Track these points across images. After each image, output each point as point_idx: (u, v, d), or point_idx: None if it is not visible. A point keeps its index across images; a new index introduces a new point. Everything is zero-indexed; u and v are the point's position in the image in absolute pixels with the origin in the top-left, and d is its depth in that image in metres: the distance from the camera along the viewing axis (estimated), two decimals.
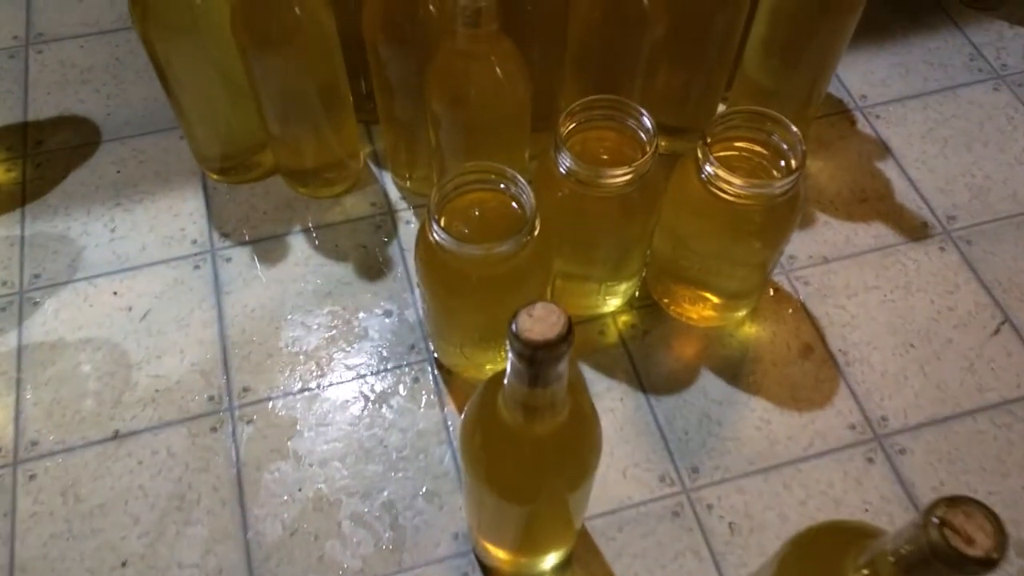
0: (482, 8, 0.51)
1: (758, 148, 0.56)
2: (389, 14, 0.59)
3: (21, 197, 0.73)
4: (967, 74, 0.83)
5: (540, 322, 0.32)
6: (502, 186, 0.51)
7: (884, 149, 0.77)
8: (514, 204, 0.51)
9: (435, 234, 0.49)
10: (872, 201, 0.74)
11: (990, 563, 0.28)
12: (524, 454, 0.41)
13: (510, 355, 0.34)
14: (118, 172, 0.74)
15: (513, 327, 0.32)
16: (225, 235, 0.71)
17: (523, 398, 0.37)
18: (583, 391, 0.62)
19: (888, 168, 0.76)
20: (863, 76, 0.83)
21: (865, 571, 0.34)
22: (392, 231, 0.71)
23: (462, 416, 0.44)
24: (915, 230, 0.72)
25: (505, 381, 0.37)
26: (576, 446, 0.42)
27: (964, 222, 0.73)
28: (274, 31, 0.58)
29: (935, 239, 0.71)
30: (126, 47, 0.84)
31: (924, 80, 0.83)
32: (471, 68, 0.56)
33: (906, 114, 0.80)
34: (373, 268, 0.69)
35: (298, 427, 0.61)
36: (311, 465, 0.59)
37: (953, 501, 0.29)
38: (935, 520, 0.28)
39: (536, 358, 0.33)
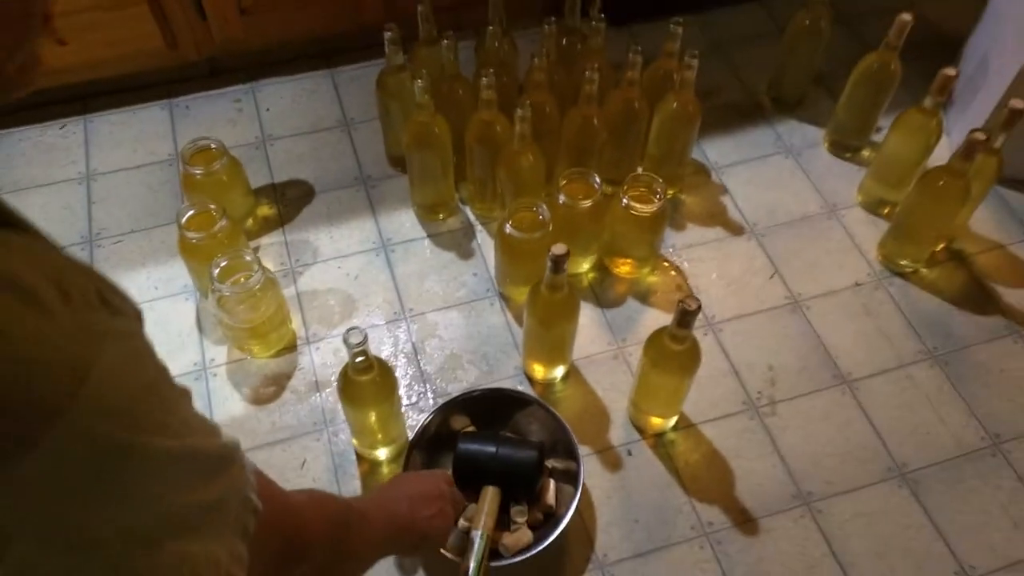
0: (563, 257, 1.21)
1: (645, 190, 1.26)
2: (479, 131, 1.28)
3: (279, 222, 1.41)
4: (772, 148, 1.54)
5: (557, 249, 1.01)
6: (534, 208, 1.20)
7: (724, 189, 1.48)
8: (540, 216, 1.20)
9: (507, 228, 1.18)
10: (716, 216, 1.44)
11: (695, 311, 0.97)
12: (549, 309, 1.10)
13: (548, 262, 1.02)
14: (327, 208, 1.43)
15: (550, 252, 1.01)
16: (390, 238, 1.39)
17: (550, 280, 1.05)
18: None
19: (726, 199, 1.46)
20: (715, 149, 1.53)
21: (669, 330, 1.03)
22: (473, 235, 1.40)
23: (526, 298, 1.13)
24: (737, 229, 1.42)
25: (543, 282, 1.05)
26: (566, 311, 1.11)
27: (764, 223, 1.43)
28: (434, 144, 1.28)
29: (750, 236, 1.41)
30: (321, 140, 1.53)
31: (748, 150, 1.53)
32: (518, 157, 1.26)
33: (737, 169, 1.51)
34: (466, 252, 1.38)
35: (439, 327, 1.29)
36: (452, 340, 1.27)
37: (687, 299, 0.99)
38: (680, 303, 0.98)
39: (557, 260, 1.02)
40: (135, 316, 0.44)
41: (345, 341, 0.93)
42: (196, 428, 0.46)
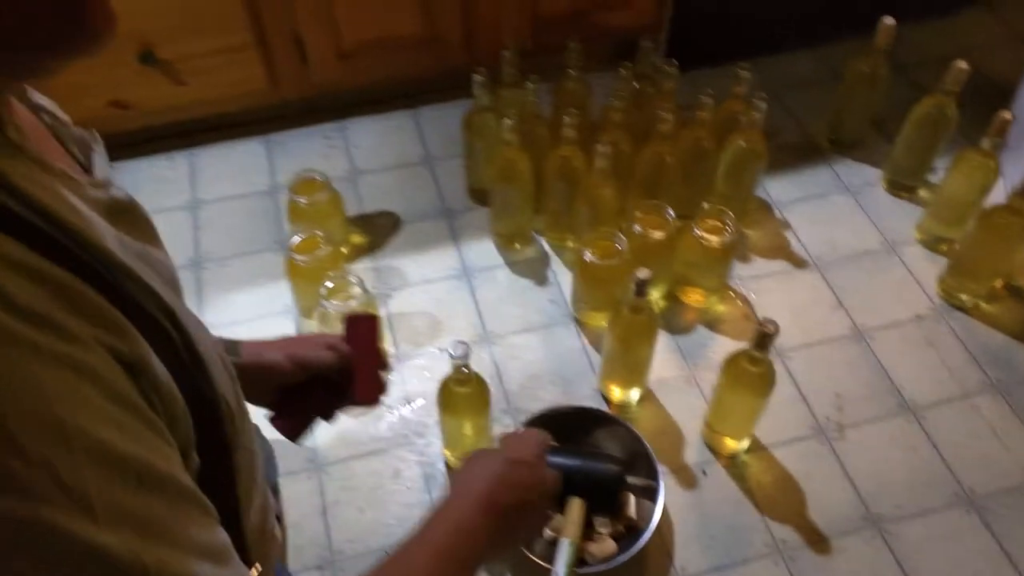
0: (646, 281, 1.30)
1: (716, 223, 1.33)
2: (559, 166, 1.38)
3: (369, 249, 1.51)
4: (831, 187, 1.61)
5: (642, 273, 1.09)
6: (612, 238, 1.29)
7: (786, 224, 1.55)
8: (617, 245, 1.29)
9: (587, 255, 1.26)
10: (780, 249, 1.51)
11: (774, 334, 1.04)
12: (631, 330, 1.17)
13: (632, 285, 1.10)
14: (413, 237, 1.53)
15: (634, 275, 1.09)
16: (471, 265, 1.48)
17: (633, 302, 1.13)
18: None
19: (789, 234, 1.54)
20: (777, 187, 1.61)
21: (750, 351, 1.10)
22: (548, 263, 1.49)
23: (608, 321, 1.21)
24: (800, 263, 1.49)
25: (626, 303, 1.13)
26: (646, 332, 1.18)
27: (827, 257, 1.49)
28: (517, 178, 1.38)
29: (813, 269, 1.48)
30: (406, 174, 1.63)
31: (808, 188, 1.61)
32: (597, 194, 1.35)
33: (799, 206, 1.58)
34: (542, 279, 1.47)
35: (519, 349, 1.37)
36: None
37: (765, 322, 1.06)
38: (759, 325, 1.05)
39: (641, 283, 1.09)
40: (102, 352, 0.38)
41: (449, 354, 1.02)
42: (157, 533, 0.37)
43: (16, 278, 0.36)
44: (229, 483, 0.57)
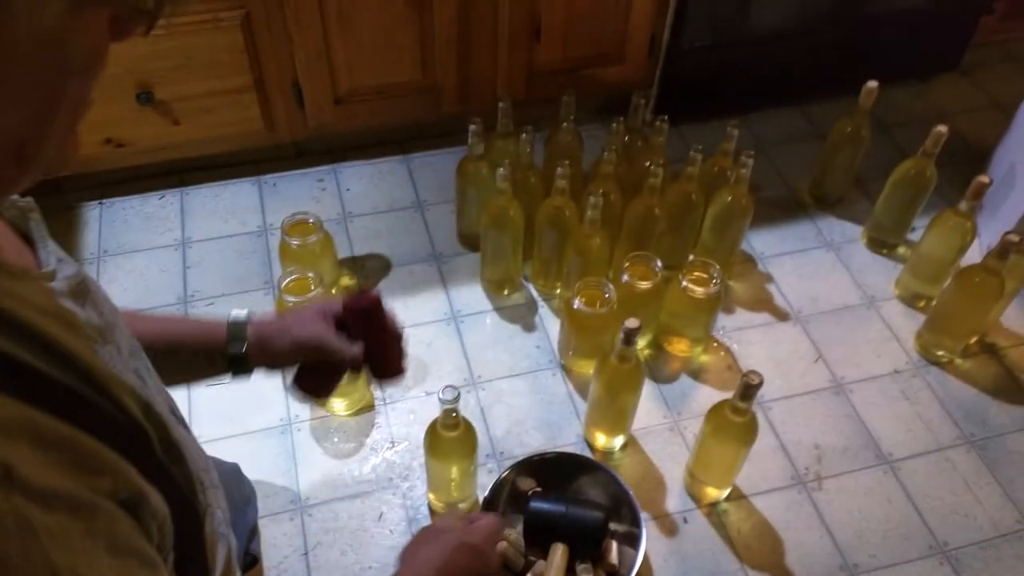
0: (635, 331, 1.33)
1: (703, 275, 1.36)
2: (550, 215, 1.41)
3: (359, 291, 1.52)
4: (813, 242, 1.66)
5: (631, 323, 1.12)
6: (600, 287, 1.31)
7: (770, 278, 1.59)
8: (605, 294, 1.31)
9: (576, 303, 1.28)
10: (763, 302, 1.55)
11: (758, 386, 1.06)
12: (617, 378, 1.19)
13: (621, 334, 1.13)
14: (402, 280, 1.55)
15: (623, 325, 1.12)
16: (459, 310, 1.50)
17: (620, 351, 1.15)
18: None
19: (772, 287, 1.57)
20: (761, 241, 1.65)
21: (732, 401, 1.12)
22: (536, 310, 1.51)
23: (594, 368, 1.22)
24: (783, 315, 1.52)
25: (614, 351, 1.15)
26: (632, 380, 1.20)
27: (808, 310, 1.53)
28: (509, 226, 1.40)
29: (795, 322, 1.51)
30: (396, 218, 1.66)
31: (791, 243, 1.65)
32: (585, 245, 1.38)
33: (782, 260, 1.62)
34: (529, 325, 1.48)
35: (505, 394, 1.38)
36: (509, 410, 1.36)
37: (749, 373, 1.08)
38: (744, 377, 1.08)
39: (629, 332, 1.12)
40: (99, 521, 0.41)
41: (439, 398, 1.03)
42: None
43: (25, 449, 0.39)
44: (199, 550, 0.59)
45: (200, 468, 0.60)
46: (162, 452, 0.53)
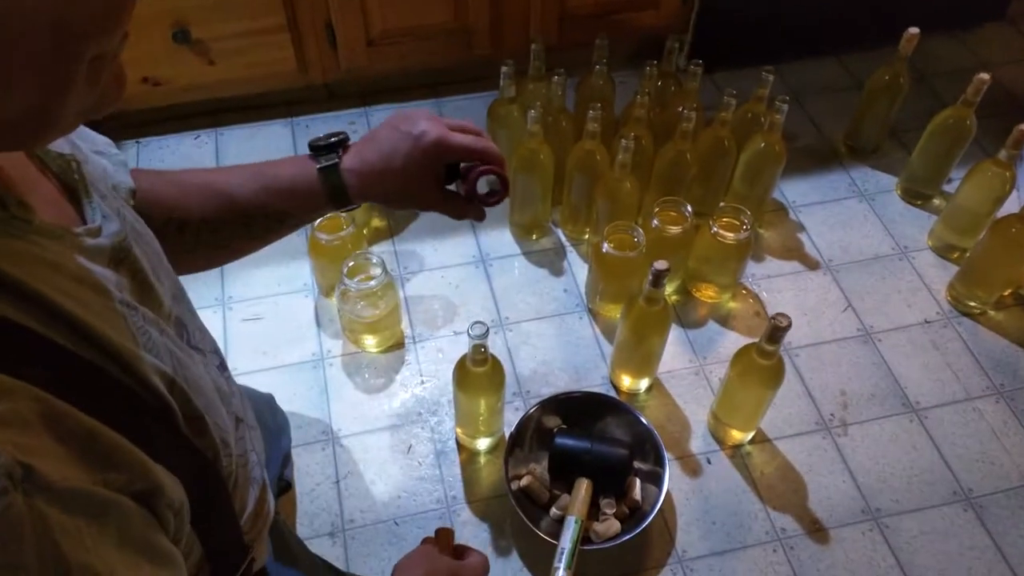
0: (664, 272, 1.33)
1: (733, 220, 1.36)
2: (581, 159, 1.41)
3: (389, 233, 1.54)
4: (846, 192, 1.64)
5: (660, 264, 1.12)
6: (630, 231, 1.31)
7: (801, 227, 1.58)
8: (635, 238, 1.31)
9: (605, 247, 1.29)
10: (794, 251, 1.54)
11: (786, 328, 1.06)
12: (645, 321, 1.20)
13: (649, 275, 1.13)
14: (431, 223, 1.56)
15: (652, 266, 1.12)
16: (488, 253, 1.51)
17: (648, 293, 1.16)
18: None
19: (803, 236, 1.56)
20: (793, 190, 1.64)
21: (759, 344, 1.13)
22: (564, 255, 1.52)
23: (621, 311, 1.23)
24: (813, 264, 1.51)
25: (641, 293, 1.16)
26: (660, 323, 1.21)
27: (838, 260, 1.52)
28: (539, 169, 1.41)
29: (825, 271, 1.51)
30: None
31: (824, 192, 1.63)
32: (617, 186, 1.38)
33: (813, 209, 1.61)
34: (557, 269, 1.49)
35: (532, 336, 1.40)
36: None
37: (777, 315, 1.09)
38: (772, 319, 1.08)
39: (658, 274, 1.12)
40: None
41: (468, 333, 1.05)
42: None
43: (45, 442, 0.40)
44: (225, 508, 0.61)
45: (225, 431, 0.60)
46: (186, 426, 0.54)
